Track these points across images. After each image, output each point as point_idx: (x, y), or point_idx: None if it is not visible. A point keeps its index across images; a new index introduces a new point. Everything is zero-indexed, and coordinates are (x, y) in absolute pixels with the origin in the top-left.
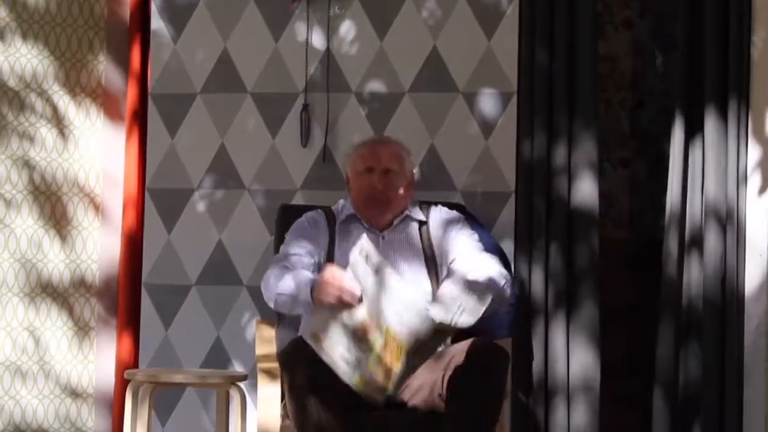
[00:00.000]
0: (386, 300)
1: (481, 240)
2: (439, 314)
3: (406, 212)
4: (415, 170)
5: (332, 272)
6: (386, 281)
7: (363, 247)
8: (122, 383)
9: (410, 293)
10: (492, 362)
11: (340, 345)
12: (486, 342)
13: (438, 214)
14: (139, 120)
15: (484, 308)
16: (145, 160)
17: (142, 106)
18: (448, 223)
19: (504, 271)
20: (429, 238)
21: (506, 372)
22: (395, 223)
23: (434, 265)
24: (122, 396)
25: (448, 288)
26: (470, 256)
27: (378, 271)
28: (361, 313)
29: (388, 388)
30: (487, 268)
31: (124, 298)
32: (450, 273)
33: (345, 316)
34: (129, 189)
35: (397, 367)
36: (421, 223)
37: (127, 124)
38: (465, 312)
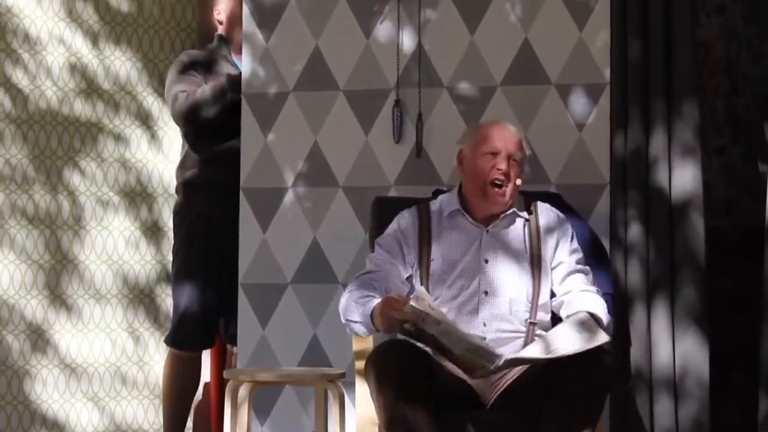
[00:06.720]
0: (453, 342)
1: (579, 237)
2: (534, 351)
3: (513, 208)
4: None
5: (388, 302)
6: (448, 330)
7: (416, 303)
8: (216, 383)
9: (477, 338)
10: (594, 366)
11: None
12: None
13: (546, 216)
14: None
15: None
16: None
17: None
18: (558, 233)
19: (606, 307)
20: (537, 239)
21: (608, 373)
22: (501, 217)
23: (538, 266)
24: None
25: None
26: (578, 295)
27: (439, 323)
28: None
29: (474, 375)
30: (596, 307)
31: None
32: (558, 308)
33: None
34: None
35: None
36: (526, 221)
37: None
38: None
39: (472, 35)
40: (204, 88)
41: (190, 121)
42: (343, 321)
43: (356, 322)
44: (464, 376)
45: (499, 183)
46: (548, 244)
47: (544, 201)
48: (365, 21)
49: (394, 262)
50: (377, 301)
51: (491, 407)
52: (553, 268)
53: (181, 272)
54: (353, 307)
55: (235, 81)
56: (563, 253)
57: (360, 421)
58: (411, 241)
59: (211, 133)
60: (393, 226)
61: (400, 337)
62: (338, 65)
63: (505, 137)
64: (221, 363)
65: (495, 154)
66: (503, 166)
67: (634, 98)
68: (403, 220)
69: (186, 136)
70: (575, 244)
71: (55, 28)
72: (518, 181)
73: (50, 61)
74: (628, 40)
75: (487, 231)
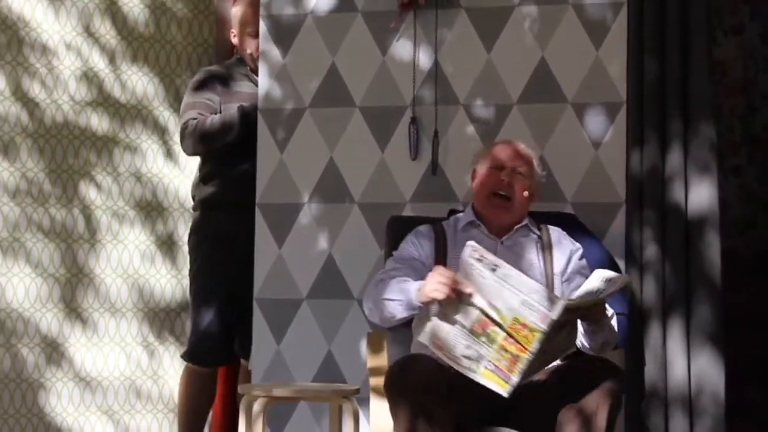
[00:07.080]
0: (510, 292)
1: (593, 258)
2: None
3: (526, 221)
4: (542, 180)
5: (440, 270)
6: (507, 274)
7: (474, 247)
8: (225, 397)
9: (535, 282)
10: (605, 375)
11: (458, 344)
12: (600, 359)
13: (557, 235)
14: None
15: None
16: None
17: None
18: (568, 250)
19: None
20: (549, 255)
21: (620, 387)
22: (515, 229)
23: (551, 279)
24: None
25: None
26: None
27: (495, 268)
28: (476, 312)
29: (513, 376)
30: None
31: None
32: None
33: (459, 316)
34: None
35: (525, 354)
36: (539, 237)
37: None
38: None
39: (488, 53)
40: (213, 119)
41: (194, 151)
42: (367, 308)
43: (394, 300)
44: (486, 392)
45: (503, 194)
46: (559, 261)
47: (557, 221)
48: (381, 38)
49: (414, 264)
50: (413, 282)
51: (511, 422)
52: (563, 282)
53: (201, 289)
54: (391, 287)
55: (247, 114)
56: (572, 269)
57: None
58: (427, 254)
59: (231, 154)
60: (410, 246)
61: (414, 350)
62: (354, 82)
63: (509, 153)
64: (228, 378)
65: (500, 168)
66: (506, 177)
67: (650, 117)
68: (418, 245)
69: (203, 163)
70: (584, 262)
71: (73, 42)
72: (525, 193)
73: (67, 74)
74: (645, 59)
75: (502, 243)
